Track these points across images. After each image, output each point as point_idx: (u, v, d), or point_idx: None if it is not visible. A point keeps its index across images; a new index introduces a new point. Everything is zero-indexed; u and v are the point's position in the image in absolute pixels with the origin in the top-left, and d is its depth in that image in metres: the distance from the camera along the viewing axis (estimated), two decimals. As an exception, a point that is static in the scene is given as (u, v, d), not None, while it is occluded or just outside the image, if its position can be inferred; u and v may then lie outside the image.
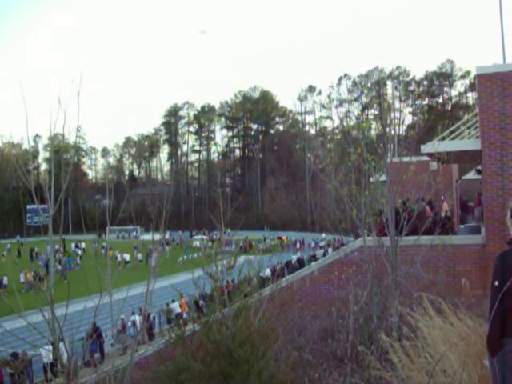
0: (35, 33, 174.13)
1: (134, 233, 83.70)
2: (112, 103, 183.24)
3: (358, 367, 6.96)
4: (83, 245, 67.29)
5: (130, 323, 24.59)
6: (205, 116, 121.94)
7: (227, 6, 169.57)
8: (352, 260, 13.40)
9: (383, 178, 10.66)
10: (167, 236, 66.99)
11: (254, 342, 6.15)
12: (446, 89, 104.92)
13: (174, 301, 27.68)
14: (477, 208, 18.64)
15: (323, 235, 67.57)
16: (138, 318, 23.96)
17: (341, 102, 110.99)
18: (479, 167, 18.24)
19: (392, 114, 12.08)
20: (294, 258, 49.37)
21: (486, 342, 3.54)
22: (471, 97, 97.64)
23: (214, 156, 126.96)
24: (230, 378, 5.92)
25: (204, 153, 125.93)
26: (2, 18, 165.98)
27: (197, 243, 67.44)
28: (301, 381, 7.16)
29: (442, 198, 16.56)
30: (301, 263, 46.14)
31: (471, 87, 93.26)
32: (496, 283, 3.43)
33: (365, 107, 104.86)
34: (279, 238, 72.68)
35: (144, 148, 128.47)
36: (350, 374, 6.79)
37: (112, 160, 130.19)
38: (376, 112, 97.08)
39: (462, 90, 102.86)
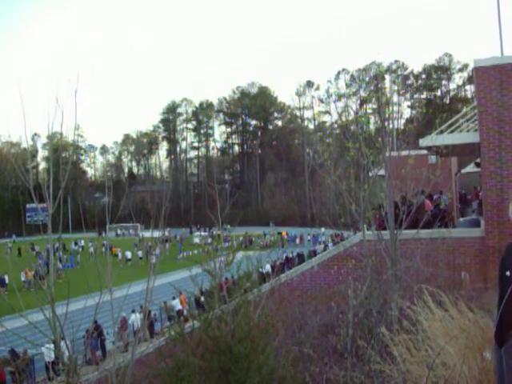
0: (33, 31, 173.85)
1: (131, 230, 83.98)
2: (110, 100, 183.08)
3: (359, 361, 6.97)
4: (82, 242, 67.58)
5: (130, 321, 24.63)
6: (203, 112, 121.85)
7: (225, 2, 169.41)
8: (351, 254, 13.42)
9: (382, 172, 10.65)
10: (167, 233, 67.03)
11: (254, 337, 6.16)
12: (444, 82, 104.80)
13: (174, 298, 27.72)
14: (474, 201, 18.67)
15: (322, 229, 67.64)
16: (138, 316, 23.99)
17: (339, 97, 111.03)
18: (478, 160, 18.25)
19: (390, 108, 12.07)
20: (293, 253, 49.40)
21: (494, 332, 3.55)
22: (469, 90, 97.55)
23: (213, 152, 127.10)
24: (229, 373, 5.94)
25: (203, 149, 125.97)
26: (0, 16, 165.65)
27: (196, 240, 67.68)
28: (301, 376, 7.18)
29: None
30: (301, 258, 46.18)
31: (469, 80, 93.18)
32: (508, 273, 3.42)
33: (363, 101, 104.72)
34: (279, 233, 72.73)
35: (143, 145, 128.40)
36: (351, 369, 6.80)
37: (111, 158, 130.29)
38: (374, 106, 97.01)
39: (461, 83, 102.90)
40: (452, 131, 16.32)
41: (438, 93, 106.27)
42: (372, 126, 11.13)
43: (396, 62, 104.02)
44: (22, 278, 38.95)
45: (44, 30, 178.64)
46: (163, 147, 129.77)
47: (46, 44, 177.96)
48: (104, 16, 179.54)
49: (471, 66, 18.25)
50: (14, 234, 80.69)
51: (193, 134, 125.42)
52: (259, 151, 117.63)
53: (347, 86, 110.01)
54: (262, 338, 6.29)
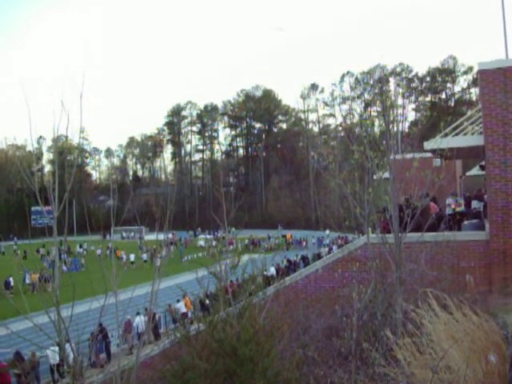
0: (37, 33, 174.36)
1: (132, 233, 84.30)
2: (115, 103, 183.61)
3: (363, 364, 6.96)
4: (85, 245, 67.89)
5: (134, 324, 24.65)
6: (208, 115, 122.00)
7: (229, 5, 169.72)
8: (356, 257, 13.39)
9: (386, 175, 10.65)
10: (170, 236, 67.10)
11: (259, 340, 6.17)
12: (448, 85, 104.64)
13: (178, 301, 27.72)
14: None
15: (327, 232, 67.52)
16: (142, 319, 24.00)
17: (343, 100, 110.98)
18: (483, 163, 18.20)
19: (395, 111, 12.07)
20: (298, 256, 49.35)
21: None
22: (474, 92, 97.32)
23: (218, 155, 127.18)
24: (234, 376, 5.95)
25: (207, 152, 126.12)
26: (3, 18, 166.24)
27: (201, 243, 67.72)
28: (306, 378, 7.17)
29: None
30: (306, 261, 46.14)
31: (474, 83, 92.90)
32: None
33: (368, 104, 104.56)
34: (284, 236, 72.62)
35: (147, 148, 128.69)
36: (355, 372, 6.80)
37: (115, 160, 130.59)
38: (379, 109, 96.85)
39: (465, 85, 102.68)
40: (456, 134, 16.30)
41: (443, 95, 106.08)
42: (376, 129, 11.11)
43: (400, 64, 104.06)
44: (27, 281, 39.05)
45: (44, 30, 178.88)
46: (168, 150, 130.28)
47: (46, 44, 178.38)
48: (108, 18, 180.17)
49: (476, 69, 18.23)
50: (16, 237, 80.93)
51: (197, 136, 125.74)
52: (264, 154, 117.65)
53: (352, 88, 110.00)
54: (267, 341, 6.30)
